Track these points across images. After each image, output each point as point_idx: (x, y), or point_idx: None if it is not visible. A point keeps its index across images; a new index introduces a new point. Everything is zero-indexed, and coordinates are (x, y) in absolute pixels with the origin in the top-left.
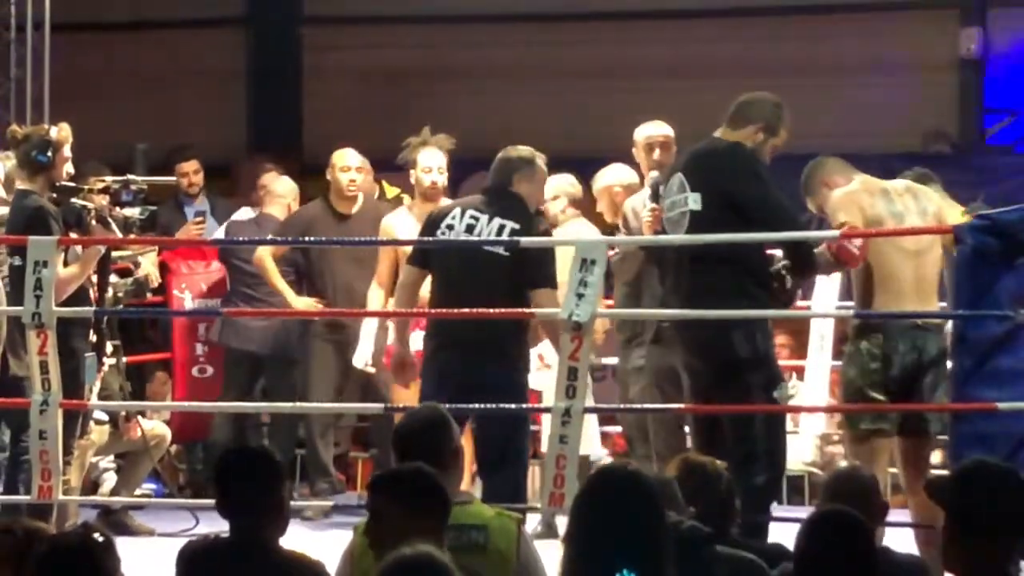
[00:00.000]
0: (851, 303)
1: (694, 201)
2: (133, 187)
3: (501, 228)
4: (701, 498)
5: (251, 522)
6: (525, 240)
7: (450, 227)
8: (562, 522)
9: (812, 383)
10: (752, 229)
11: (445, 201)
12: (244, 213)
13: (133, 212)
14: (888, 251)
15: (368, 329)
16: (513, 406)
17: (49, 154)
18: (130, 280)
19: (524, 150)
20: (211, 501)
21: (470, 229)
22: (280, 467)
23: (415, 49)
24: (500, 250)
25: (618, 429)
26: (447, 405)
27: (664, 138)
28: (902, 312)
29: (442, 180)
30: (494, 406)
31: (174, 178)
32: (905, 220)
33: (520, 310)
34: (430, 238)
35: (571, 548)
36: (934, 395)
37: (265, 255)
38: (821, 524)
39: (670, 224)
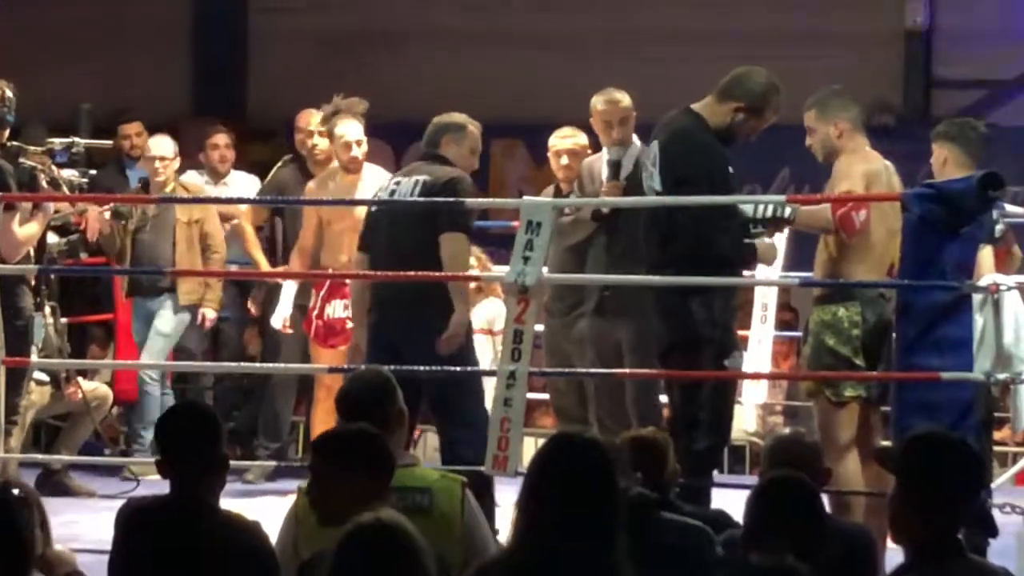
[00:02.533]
0: (796, 273)
1: (658, 181)
2: (73, 149)
3: (415, 184)
4: (644, 465)
5: (191, 481)
6: (471, 201)
7: (388, 193)
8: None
9: (755, 353)
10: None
11: (368, 173)
12: (193, 176)
13: (72, 174)
14: (878, 228)
15: (287, 291)
16: (458, 368)
17: (7, 113)
18: (63, 240)
19: (456, 116)
20: (149, 460)
21: (392, 195)
22: (221, 425)
23: (362, 13)
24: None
25: (546, 397)
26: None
27: (622, 115)
28: (848, 282)
29: (362, 152)
30: (439, 368)
31: (111, 143)
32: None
33: (467, 275)
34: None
35: (525, 514)
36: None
37: (244, 220)
38: (771, 489)
39: (650, 190)
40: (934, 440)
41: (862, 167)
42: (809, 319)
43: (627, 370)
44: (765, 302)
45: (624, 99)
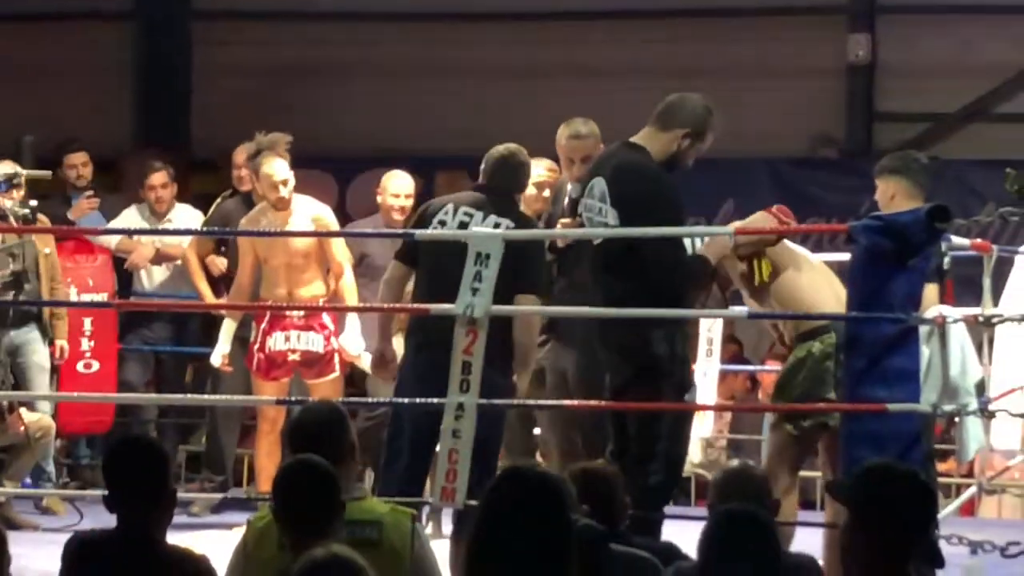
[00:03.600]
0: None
1: (612, 217)
2: (14, 180)
3: (496, 226)
4: (592, 497)
5: (138, 515)
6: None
7: (442, 223)
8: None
9: (701, 386)
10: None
11: (300, 205)
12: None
13: (13, 205)
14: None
15: (226, 329)
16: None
17: None
18: (7, 272)
19: (523, 153)
20: (96, 494)
21: (463, 227)
22: (168, 460)
23: (305, 45)
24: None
25: None
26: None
27: (585, 152)
28: (797, 314)
29: (288, 191)
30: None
31: (49, 172)
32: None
33: (415, 306)
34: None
35: (475, 548)
36: None
37: (190, 252)
38: (728, 522)
39: (591, 225)
40: (886, 472)
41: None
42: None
43: (582, 401)
44: (711, 336)
45: (589, 134)
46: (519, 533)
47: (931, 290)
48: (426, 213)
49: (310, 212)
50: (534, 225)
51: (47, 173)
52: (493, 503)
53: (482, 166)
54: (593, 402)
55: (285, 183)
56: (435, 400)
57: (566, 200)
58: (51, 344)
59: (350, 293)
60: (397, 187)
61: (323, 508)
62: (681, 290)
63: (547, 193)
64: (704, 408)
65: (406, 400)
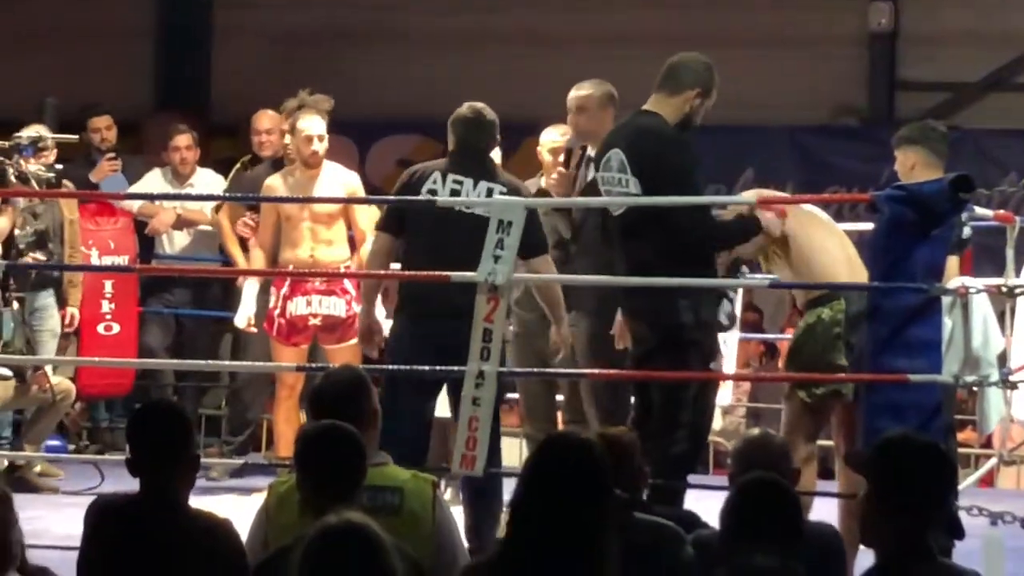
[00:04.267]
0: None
1: (634, 185)
2: (40, 143)
3: (490, 191)
4: (615, 466)
5: (161, 479)
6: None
7: (432, 192)
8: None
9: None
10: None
11: (328, 169)
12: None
13: (39, 169)
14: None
15: (250, 290)
16: (457, 368)
17: None
18: (30, 231)
19: (489, 111)
20: (116, 457)
21: (455, 195)
22: (191, 424)
23: (326, 10)
24: (485, 213)
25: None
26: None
27: (578, 103)
28: (819, 284)
29: (322, 147)
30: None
31: (77, 137)
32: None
33: (437, 273)
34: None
35: (517, 514)
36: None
37: (223, 217)
38: (752, 491)
39: (610, 196)
40: (905, 443)
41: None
42: (799, 324)
43: (616, 371)
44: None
45: (584, 88)
46: (559, 500)
47: (951, 262)
48: (411, 181)
49: (339, 178)
50: (524, 189)
51: (74, 137)
52: (535, 470)
53: (449, 130)
54: (623, 371)
55: (321, 139)
56: (455, 368)
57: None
58: (62, 309)
59: None
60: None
61: (347, 474)
62: (708, 253)
63: (547, 158)
64: (727, 377)
65: (438, 368)
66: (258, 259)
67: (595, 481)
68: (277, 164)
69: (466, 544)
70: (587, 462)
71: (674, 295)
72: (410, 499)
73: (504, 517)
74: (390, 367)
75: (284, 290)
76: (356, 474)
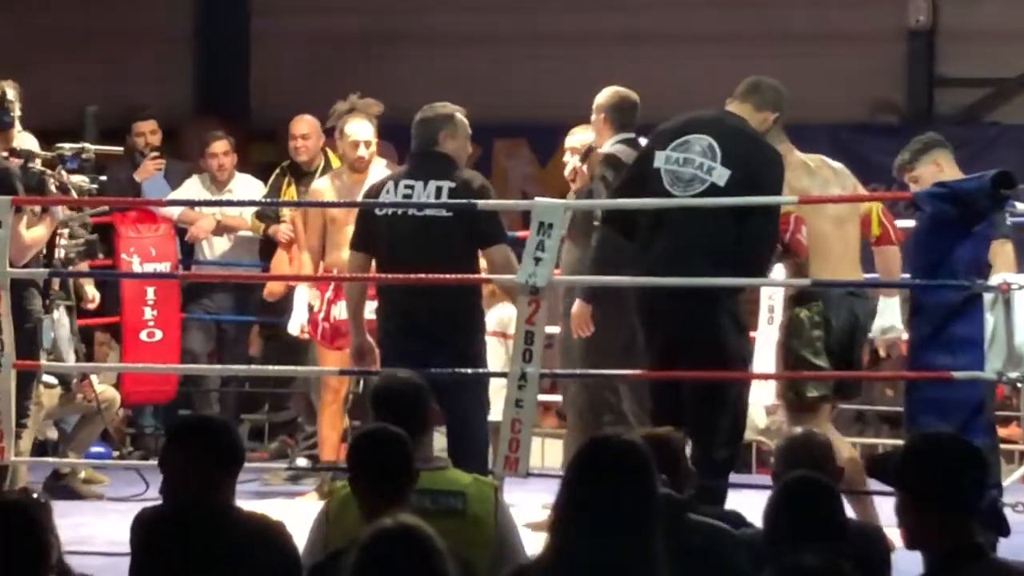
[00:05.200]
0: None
1: (720, 175)
2: (83, 155)
3: (439, 190)
4: (665, 468)
5: (207, 486)
6: (482, 203)
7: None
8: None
9: (762, 354)
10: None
11: (376, 171)
12: (193, 183)
13: (83, 180)
14: (818, 221)
15: (301, 296)
16: (469, 370)
17: (12, 115)
18: (81, 241)
19: (441, 107)
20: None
21: (407, 199)
22: (237, 432)
23: (364, 15)
24: (443, 212)
25: (557, 398)
26: None
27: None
28: (854, 281)
29: (369, 152)
30: (451, 371)
31: (122, 149)
32: (829, 191)
33: (477, 276)
34: (372, 208)
35: (563, 516)
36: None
37: (297, 218)
38: (796, 490)
39: (674, 178)
40: (934, 442)
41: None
42: (782, 321)
43: (641, 371)
44: (772, 303)
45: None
46: (606, 501)
47: (1007, 249)
48: (368, 195)
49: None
50: (476, 181)
51: (118, 149)
52: (579, 471)
53: None
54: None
55: (368, 144)
56: (497, 371)
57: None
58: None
59: None
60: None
61: (396, 475)
62: (766, 266)
63: (567, 158)
64: (753, 377)
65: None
66: (306, 263)
67: (639, 479)
68: (298, 168)
69: None
70: (629, 461)
71: (715, 302)
72: (473, 503)
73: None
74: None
75: (328, 294)
76: (405, 476)
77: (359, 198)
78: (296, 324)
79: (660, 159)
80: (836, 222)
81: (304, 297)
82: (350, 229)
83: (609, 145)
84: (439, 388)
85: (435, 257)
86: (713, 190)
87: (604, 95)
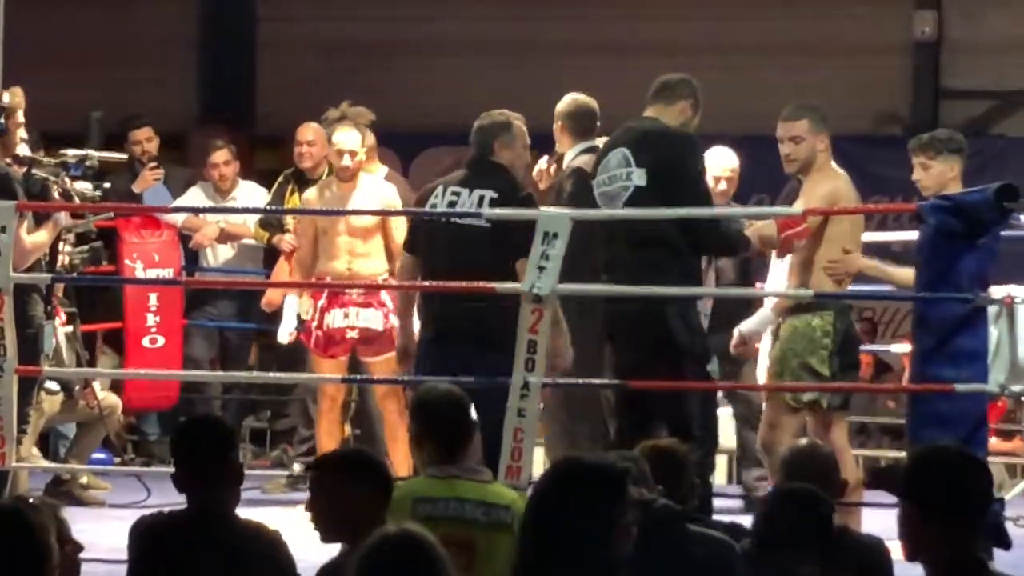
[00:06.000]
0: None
1: (639, 176)
2: (87, 162)
3: (481, 199)
4: (662, 476)
5: (208, 492)
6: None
7: (433, 207)
8: None
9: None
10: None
11: (366, 180)
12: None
13: (86, 187)
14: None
15: (290, 305)
16: (472, 379)
17: (2, 120)
18: (86, 247)
19: (498, 115)
20: (163, 470)
21: (452, 206)
22: (235, 436)
23: (370, 22)
24: (481, 222)
25: None
26: None
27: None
28: (857, 292)
29: (355, 162)
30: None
31: (126, 156)
32: None
33: (483, 284)
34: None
35: (530, 537)
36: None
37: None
38: (782, 500)
39: (605, 198)
40: (940, 454)
41: (828, 186)
42: (780, 326)
43: (651, 382)
44: None
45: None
46: (570, 524)
47: None
48: (421, 200)
49: (376, 191)
50: (519, 189)
51: (122, 156)
52: (544, 493)
53: None
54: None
55: (353, 154)
56: (499, 379)
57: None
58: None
59: None
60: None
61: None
62: (710, 245)
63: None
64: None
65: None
66: (299, 272)
67: (604, 501)
68: (302, 175)
69: None
70: (592, 483)
71: (662, 302)
72: (519, 517)
73: None
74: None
75: (321, 302)
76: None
77: (353, 206)
78: (285, 333)
79: (595, 186)
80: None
81: (293, 306)
82: (342, 240)
83: (573, 155)
84: (473, 398)
85: (470, 266)
86: (637, 192)
87: (562, 102)
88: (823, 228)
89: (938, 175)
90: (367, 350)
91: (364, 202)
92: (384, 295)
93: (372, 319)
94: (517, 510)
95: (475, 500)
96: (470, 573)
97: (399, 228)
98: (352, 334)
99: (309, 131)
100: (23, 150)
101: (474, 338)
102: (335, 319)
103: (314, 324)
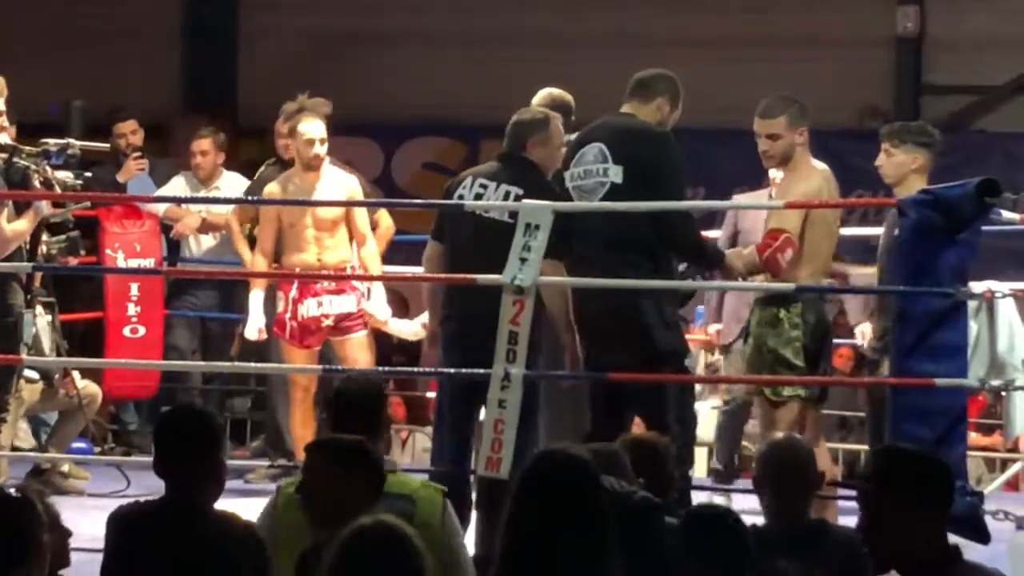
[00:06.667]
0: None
1: (615, 173)
2: (69, 151)
3: (507, 195)
4: (642, 468)
5: (187, 483)
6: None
7: (460, 197)
8: None
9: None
10: (657, 215)
11: (331, 168)
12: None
13: (67, 176)
14: (816, 234)
15: (256, 300)
16: (481, 371)
17: None
18: (63, 236)
19: (537, 112)
20: (142, 460)
21: (478, 199)
22: (220, 430)
23: (353, 12)
24: (505, 217)
25: None
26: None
27: None
28: (836, 287)
29: (324, 150)
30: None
31: (108, 145)
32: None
33: (464, 275)
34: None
35: (510, 532)
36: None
37: (232, 219)
38: (693, 522)
39: (581, 192)
40: (900, 453)
41: (803, 187)
42: (749, 320)
43: (661, 375)
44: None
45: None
46: (552, 516)
47: None
48: (449, 189)
49: (340, 180)
50: (550, 188)
51: (105, 146)
52: (524, 486)
53: None
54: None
55: (323, 142)
56: (481, 371)
57: None
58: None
59: (373, 261)
60: None
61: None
62: (688, 244)
63: None
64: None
65: (452, 371)
66: (260, 265)
67: (584, 493)
68: (286, 165)
69: (473, 550)
70: (574, 475)
71: (637, 297)
72: (422, 507)
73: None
74: (415, 369)
75: (293, 293)
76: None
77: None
78: (253, 328)
79: (567, 179)
80: (830, 235)
81: (259, 301)
82: (309, 232)
83: None
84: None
85: (490, 260)
86: (613, 189)
87: (537, 96)
88: (803, 234)
89: (898, 164)
90: (339, 331)
91: (330, 193)
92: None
93: (345, 303)
94: (420, 499)
95: None
96: None
97: (362, 216)
98: (327, 322)
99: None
100: (3, 139)
101: (493, 330)
102: (309, 309)
103: (287, 315)
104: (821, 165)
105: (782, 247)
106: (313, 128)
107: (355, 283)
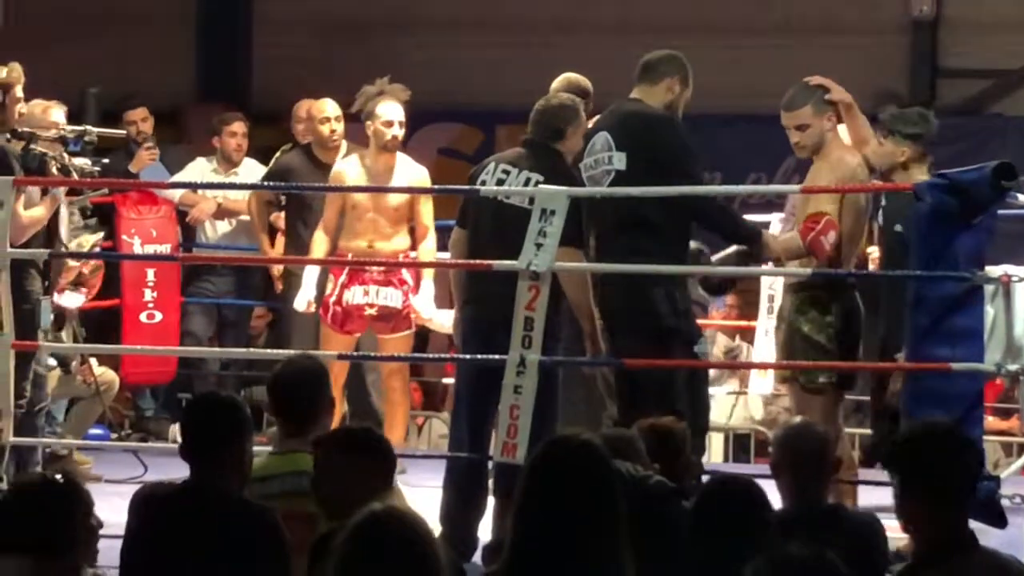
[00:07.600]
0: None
1: (619, 160)
2: (86, 137)
3: (527, 181)
4: (660, 454)
5: (211, 470)
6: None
7: (483, 183)
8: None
9: (762, 343)
10: (670, 198)
11: (405, 156)
12: (200, 165)
13: (84, 163)
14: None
15: (311, 274)
16: (497, 356)
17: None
18: (79, 221)
19: (566, 98)
20: (160, 446)
21: (500, 184)
22: (247, 419)
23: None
24: (526, 204)
25: None
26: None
27: None
28: (856, 272)
29: (401, 133)
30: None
31: (124, 132)
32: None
33: (476, 261)
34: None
35: (522, 518)
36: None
37: (253, 203)
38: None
39: (591, 182)
40: (928, 433)
41: (832, 175)
42: (782, 306)
43: (674, 361)
44: (772, 293)
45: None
46: (564, 502)
47: None
48: (474, 175)
49: (413, 170)
50: (571, 175)
51: (121, 133)
52: (535, 473)
53: None
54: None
55: (401, 124)
56: (496, 356)
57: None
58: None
59: (428, 256)
60: None
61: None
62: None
63: None
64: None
65: (468, 356)
66: (320, 241)
67: (596, 480)
68: (307, 150)
69: (490, 535)
70: (585, 462)
71: (647, 284)
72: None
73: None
74: (432, 356)
75: (342, 278)
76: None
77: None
78: (303, 300)
79: (583, 170)
80: (859, 219)
81: (314, 275)
82: (368, 217)
83: None
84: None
85: (509, 246)
86: (619, 175)
87: (556, 82)
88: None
89: (885, 155)
90: (383, 327)
91: (401, 179)
92: (405, 273)
93: (391, 297)
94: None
95: (270, 476)
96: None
97: (427, 209)
98: (370, 312)
99: (331, 106)
100: (58, 116)
101: (504, 308)
102: (355, 296)
103: (332, 299)
104: (852, 155)
105: (824, 229)
106: (392, 110)
107: (406, 276)
